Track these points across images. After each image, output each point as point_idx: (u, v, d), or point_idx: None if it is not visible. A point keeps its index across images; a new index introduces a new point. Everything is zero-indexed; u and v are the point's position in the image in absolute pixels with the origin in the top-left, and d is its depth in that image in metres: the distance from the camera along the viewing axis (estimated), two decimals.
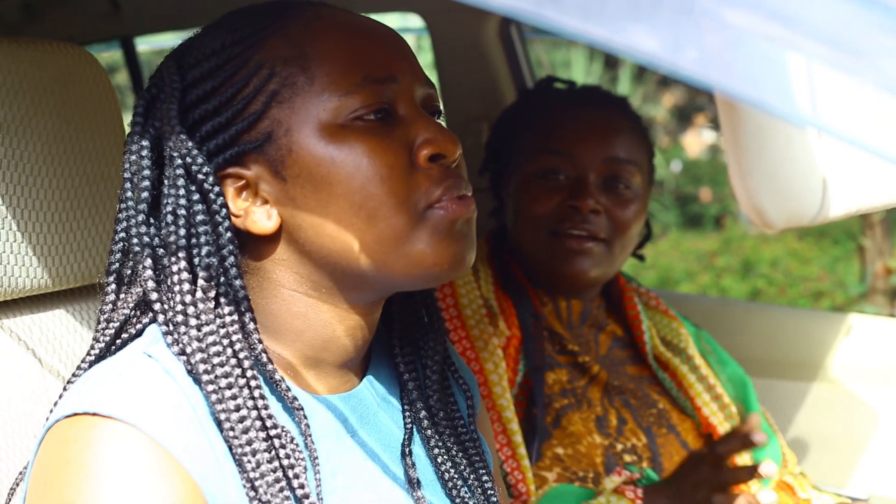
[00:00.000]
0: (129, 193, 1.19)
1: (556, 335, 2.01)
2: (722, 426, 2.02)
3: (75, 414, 1.09)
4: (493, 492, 1.34)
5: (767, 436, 2.09)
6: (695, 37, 0.72)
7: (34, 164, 1.41)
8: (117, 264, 1.20)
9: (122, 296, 1.20)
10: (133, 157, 1.18)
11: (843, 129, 0.79)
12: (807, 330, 2.64)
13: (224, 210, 1.16)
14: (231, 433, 1.11)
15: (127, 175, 1.19)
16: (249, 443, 1.11)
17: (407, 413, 1.30)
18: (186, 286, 1.14)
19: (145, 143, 1.17)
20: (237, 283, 1.16)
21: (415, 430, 1.31)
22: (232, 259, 1.16)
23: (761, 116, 0.91)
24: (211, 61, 1.18)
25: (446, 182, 1.19)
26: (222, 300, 1.16)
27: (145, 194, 1.17)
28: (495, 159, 2.16)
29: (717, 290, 7.80)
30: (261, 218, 1.18)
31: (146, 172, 1.17)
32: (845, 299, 7.17)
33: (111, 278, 1.20)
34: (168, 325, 1.15)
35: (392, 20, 4.45)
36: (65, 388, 1.19)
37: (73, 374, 1.20)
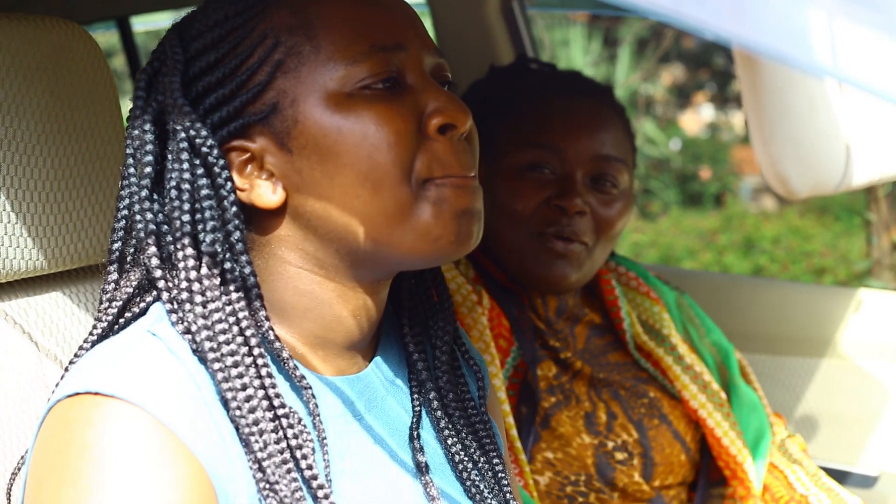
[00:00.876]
0: (132, 170, 1.16)
1: (537, 329, 1.96)
2: (711, 417, 1.98)
3: (77, 394, 1.07)
4: (503, 475, 1.31)
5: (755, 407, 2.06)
6: None
7: (27, 143, 1.37)
8: (120, 242, 1.18)
9: (125, 274, 1.18)
10: (135, 132, 1.16)
11: (863, 79, 0.77)
12: (815, 305, 2.61)
13: (229, 184, 1.14)
14: (237, 412, 1.08)
15: (129, 150, 1.17)
16: (256, 422, 1.09)
17: (416, 395, 1.28)
18: (191, 262, 1.12)
19: (148, 117, 1.15)
20: (243, 258, 1.14)
21: (424, 412, 1.28)
22: (238, 234, 1.14)
23: (783, 80, 0.87)
24: (214, 32, 1.16)
25: (451, 159, 1.17)
26: (228, 277, 1.13)
27: (148, 169, 1.14)
28: None
29: (720, 267, 7.79)
30: (266, 191, 1.16)
31: (149, 147, 1.15)
32: (848, 275, 7.17)
33: (114, 256, 1.18)
34: (172, 303, 1.13)
35: None
36: (66, 369, 1.17)
37: (76, 355, 1.17)
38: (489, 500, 1.28)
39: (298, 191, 1.16)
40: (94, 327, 1.17)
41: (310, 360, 1.20)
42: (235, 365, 1.10)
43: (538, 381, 1.89)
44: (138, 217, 1.14)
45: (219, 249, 1.13)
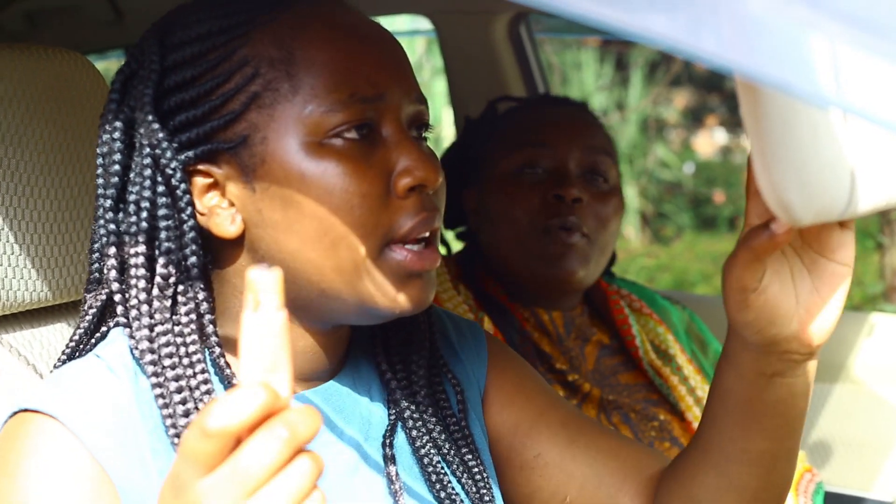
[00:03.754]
0: (100, 170, 1.15)
1: (542, 353, 1.95)
2: None
3: (16, 413, 1.10)
4: (486, 491, 1.27)
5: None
6: (714, 18, 0.68)
7: (31, 173, 1.37)
8: (97, 254, 1.17)
9: (99, 287, 1.17)
10: (105, 137, 1.15)
11: (869, 109, 0.75)
12: None
13: (190, 208, 1.12)
14: (177, 441, 1.08)
15: (99, 152, 1.15)
16: None
17: (391, 408, 1.25)
18: (143, 283, 1.11)
19: (119, 123, 1.13)
20: (198, 284, 1.12)
21: (399, 425, 1.26)
22: (194, 259, 1.12)
23: (785, 106, 0.86)
24: (194, 47, 1.13)
25: (419, 217, 1.13)
26: (180, 299, 1.12)
27: (115, 179, 1.13)
28: (453, 180, 2.07)
29: None
30: (224, 221, 1.13)
31: (117, 157, 1.13)
32: (863, 298, 7.13)
33: (93, 267, 1.17)
34: (127, 319, 1.13)
35: (402, 22, 4.41)
36: None
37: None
38: None
39: (256, 228, 1.13)
40: (67, 347, 1.18)
41: None
42: (179, 391, 1.09)
43: None
44: (101, 222, 1.14)
45: (172, 272, 1.11)
